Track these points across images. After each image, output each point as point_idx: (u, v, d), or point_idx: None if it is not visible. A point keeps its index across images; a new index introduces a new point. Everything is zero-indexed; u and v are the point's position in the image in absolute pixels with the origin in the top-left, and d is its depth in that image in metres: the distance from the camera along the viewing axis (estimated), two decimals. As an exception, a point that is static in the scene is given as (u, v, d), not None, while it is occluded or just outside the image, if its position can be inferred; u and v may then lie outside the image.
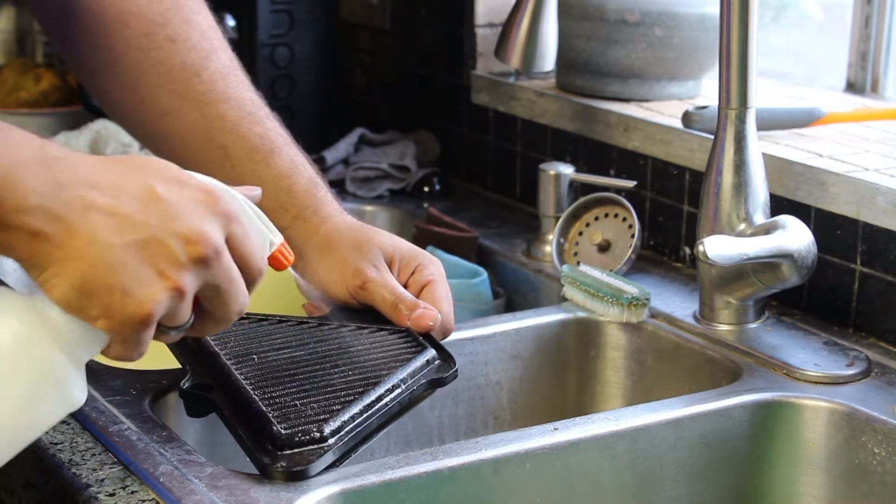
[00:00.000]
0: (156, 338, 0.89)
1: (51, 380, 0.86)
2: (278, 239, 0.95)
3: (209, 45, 1.20)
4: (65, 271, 0.83)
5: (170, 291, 0.85)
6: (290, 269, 0.99)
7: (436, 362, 1.09)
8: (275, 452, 0.97)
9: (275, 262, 0.96)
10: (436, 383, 1.08)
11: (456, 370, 1.09)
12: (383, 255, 1.16)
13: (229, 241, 0.88)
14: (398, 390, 1.05)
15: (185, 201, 0.86)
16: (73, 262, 0.83)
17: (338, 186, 1.78)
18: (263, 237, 0.94)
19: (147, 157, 0.89)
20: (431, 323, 1.12)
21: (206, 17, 1.21)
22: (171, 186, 0.86)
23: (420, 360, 1.08)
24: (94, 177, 0.84)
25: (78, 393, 0.88)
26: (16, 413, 0.86)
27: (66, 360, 0.86)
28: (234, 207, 0.89)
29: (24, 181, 0.81)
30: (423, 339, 1.11)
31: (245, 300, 0.91)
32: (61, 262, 0.83)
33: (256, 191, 0.96)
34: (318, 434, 0.97)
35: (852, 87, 1.65)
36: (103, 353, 0.88)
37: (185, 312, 0.88)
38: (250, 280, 0.91)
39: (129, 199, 0.84)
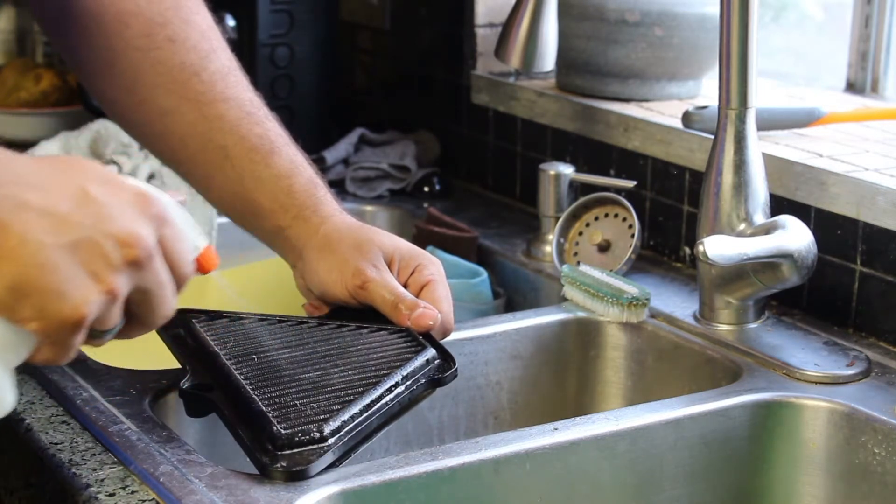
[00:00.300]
0: (85, 342, 0.87)
1: None
2: (203, 243, 0.94)
3: (209, 45, 1.20)
4: None
5: (104, 294, 0.84)
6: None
7: (435, 362, 1.09)
8: (275, 452, 0.97)
9: (199, 267, 0.94)
10: (436, 383, 1.08)
11: (456, 370, 1.09)
12: (383, 255, 1.16)
13: (161, 244, 0.87)
14: (398, 390, 1.05)
15: (118, 203, 0.85)
16: (5, 261, 0.81)
17: (338, 186, 1.78)
18: (189, 242, 0.92)
19: (77, 158, 0.88)
20: (431, 322, 1.12)
21: (205, 18, 1.21)
22: (105, 188, 0.85)
23: (420, 360, 1.08)
24: (28, 177, 0.83)
25: (8, 397, 0.86)
26: None
27: None
28: (166, 210, 0.88)
29: None
30: (423, 338, 1.11)
31: (172, 304, 0.89)
32: None
33: (180, 196, 0.95)
34: (318, 434, 0.97)
35: (852, 87, 1.65)
36: (30, 358, 0.86)
37: (116, 316, 0.86)
38: (179, 281, 0.90)
39: (62, 200, 0.83)
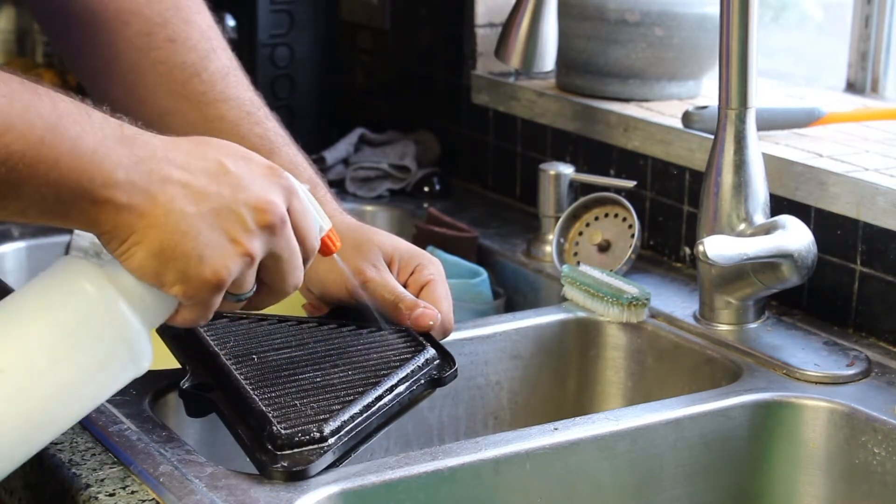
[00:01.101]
0: (222, 307, 0.93)
1: (125, 342, 0.90)
2: (327, 224, 1.00)
3: (209, 45, 1.20)
4: (145, 239, 0.87)
5: (241, 257, 0.90)
6: (335, 256, 1.02)
7: (435, 362, 1.09)
8: (275, 452, 0.97)
9: (323, 247, 1.00)
10: (435, 383, 1.08)
11: (456, 370, 1.10)
12: (383, 255, 1.16)
13: (290, 213, 0.93)
14: (398, 390, 1.05)
15: (252, 174, 0.91)
16: (152, 230, 0.87)
17: (338, 186, 1.78)
18: (315, 221, 0.98)
19: (213, 138, 0.94)
20: (431, 322, 1.12)
21: (205, 17, 1.21)
22: (239, 161, 0.92)
23: (420, 360, 1.08)
24: (168, 153, 0.89)
25: (147, 356, 0.92)
26: (90, 374, 0.89)
27: (139, 323, 0.90)
28: (294, 184, 0.94)
29: (110, 158, 0.86)
30: (423, 338, 1.11)
31: (301, 274, 0.95)
32: (142, 230, 0.87)
33: (306, 185, 1.00)
34: (318, 434, 0.97)
35: (852, 87, 1.65)
36: (169, 320, 0.92)
37: (251, 280, 0.93)
38: (305, 255, 0.95)
39: (200, 173, 0.89)
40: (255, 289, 0.94)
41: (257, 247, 0.91)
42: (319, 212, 0.99)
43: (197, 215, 0.88)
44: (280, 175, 0.93)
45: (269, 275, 0.94)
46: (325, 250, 1.00)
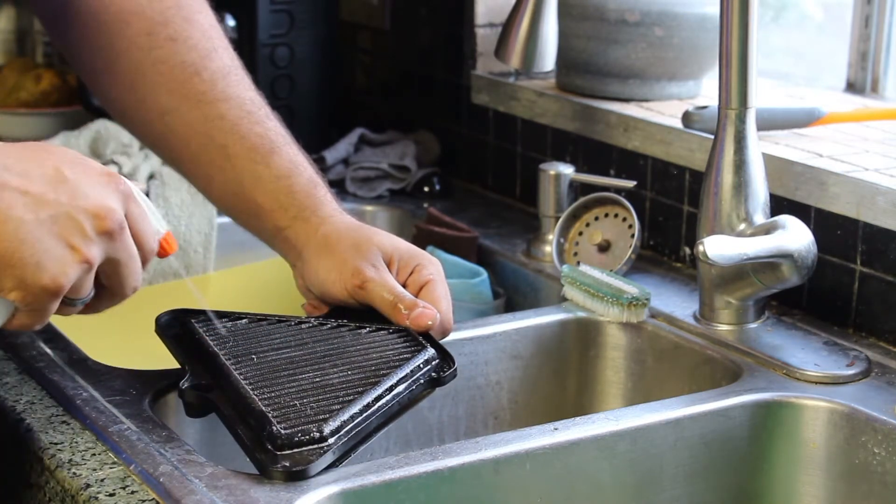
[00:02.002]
0: (58, 311, 0.94)
1: None
2: (164, 228, 1.01)
3: (210, 44, 1.20)
4: None
5: (80, 264, 0.91)
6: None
7: (435, 362, 1.09)
8: (275, 452, 0.97)
9: (160, 249, 1.01)
10: (435, 383, 1.08)
11: (455, 369, 1.09)
12: (382, 255, 1.16)
13: (128, 218, 0.95)
14: (397, 390, 1.05)
15: (89, 180, 0.92)
16: None
17: (338, 186, 1.78)
18: (153, 224, 0.99)
19: (49, 142, 0.96)
20: (430, 322, 1.12)
21: (207, 16, 1.21)
22: (76, 167, 0.93)
23: (419, 360, 1.08)
24: (6, 160, 0.90)
25: None
26: None
27: None
28: (131, 189, 0.96)
29: None
30: (423, 338, 1.11)
31: (139, 277, 0.97)
32: None
33: (142, 186, 1.02)
34: (318, 434, 0.97)
35: (852, 87, 1.65)
36: (5, 325, 0.93)
37: (89, 285, 0.94)
38: (143, 258, 0.97)
39: (38, 181, 0.90)
40: (92, 293, 0.96)
41: (96, 253, 0.92)
42: (156, 216, 1.00)
43: (35, 222, 0.89)
44: (117, 181, 0.94)
45: (108, 279, 0.96)
46: (162, 253, 1.02)
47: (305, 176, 1.20)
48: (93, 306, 0.98)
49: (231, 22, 1.83)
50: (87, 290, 0.94)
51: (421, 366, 1.08)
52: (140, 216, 0.96)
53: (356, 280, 1.14)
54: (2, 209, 0.88)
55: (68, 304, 0.95)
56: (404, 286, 1.15)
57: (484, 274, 1.49)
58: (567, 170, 1.51)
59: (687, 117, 1.46)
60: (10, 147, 0.92)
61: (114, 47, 1.18)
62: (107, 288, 0.97)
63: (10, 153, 0.91)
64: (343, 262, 1.15)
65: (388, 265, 1.16)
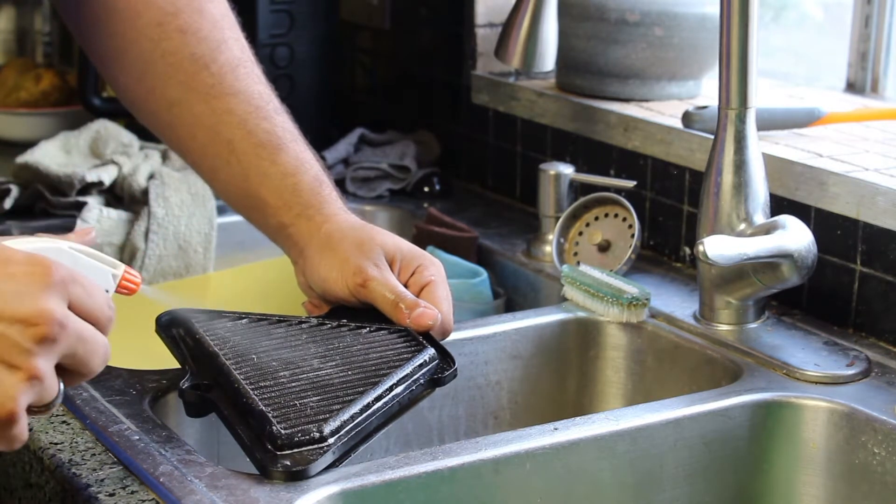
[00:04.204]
0: (33, 415, 0.85)
1: None
2: (119, 269, 0.93)
3: (220, 35, 1.19)
4: None
5: (26, 382, 0.81)
6: (144, 288, 0.95)
7: (435, 362, 1.09)
8: (275, 452, 0.97)
9: (122, 290, 0.93)
10: (435, 382, 1.08)
11: (455, 369, 1.10)
12: (384, 255, 1.16)
13: (72, 306, 0.84)
14: (398, 390, 1.05)
15: (13, 283, 0.81)
16: None
17: (338, 186, 1.77)
18: (105, 274, 0.92)
19: None
20: (431, 322, 1.12)
21: (218, 6, 1.21)
22: None
23: (419, 360, 1.08)
24: None
25: None
26: None
27: None
28: (67, 270, 0.84)
29: None
30: (423, 338, 1.11)
31: (106, 349, 0.87)
32: None
33: (90, 234, 0.93)
34: (318, 434, 0.97)
35: (852, 87, 1.65)
36: None
37: (52, 390, 0.84)
38: (103, 329, 0.87)
39: None
40: (62, 390, 0.85)
41: (41, 364, 0.81)
42: (107, 260, 0.92)
43: None
44: (48, 271, 0.82)
45: (72, 367, 0.85)
46: (128, 292, 0.93)
47: (311, 174, 1.20)
48: (72, 383, 0.88)
49: (231, 22, 1.83)
50: (52, 394, 0.83)
51: (421, 366, 1.08)
52: (83, 295, 0.84)
53: (358, 278, 1.14)
54: None
55: (38, 412, 0.84)
56: (406, 286, 1.15)
57: (484, 274, 1.49)
58: (567, 170, 1.51)
59: (687, 117, 1.46)
60: None
61: (124, 36, 1.18)
62: (74, 373, 0.86)
63: None
64: (345, 261, 1.15)
65: (391, 265, 1.16)
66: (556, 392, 1.35)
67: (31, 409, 0.84)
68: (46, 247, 0.88)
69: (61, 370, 0.85)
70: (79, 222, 1.56)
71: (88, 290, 0.85)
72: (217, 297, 1.59)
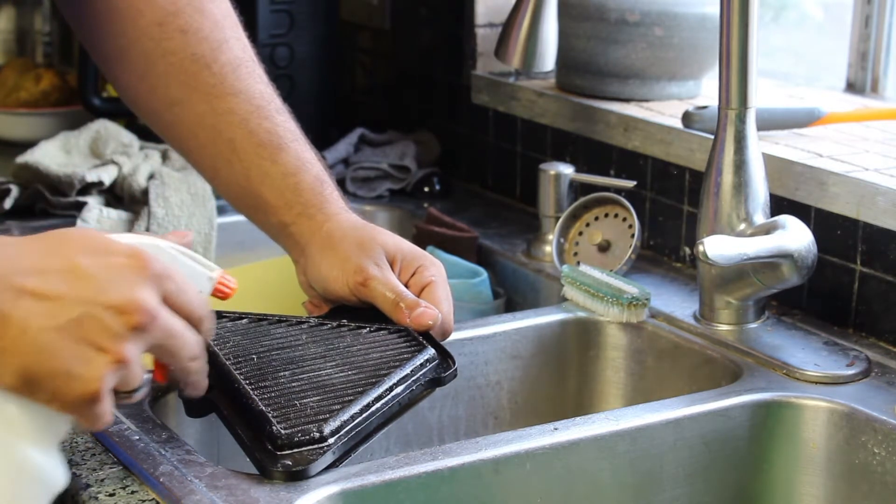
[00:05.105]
0: (119, 402, 0.88)
1: (28, 476, 0.86)
2: (216, 273, 0.96)
3: (221, 34, 1.19)
4: (4, 363, 0.83)
5: (113, 365, 0.84)
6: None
7: (435, 362, 1.09)
8: (274, 452, 0.97)
9: (217, 294, 0.96)
10: (435, 382, 1.08)
11: (455, 369, 1.09)
12: (385, 255, 1.16)
13: (165, 299, 0.88)
14: (398, 390, 1.05)
15: (112, 271, 0.85)
16: (9, 353, 0.82)
17: (338, 186, 1.77)
18: (201, 275, 0.95)
19: (69, 230, 0.88)
20: (431, 322, 1.12)
21: (220, 5, 1.21)
22: (96, 258, 0.85)
23: (419, 360, 1.08)
24: (21, 262, 0.84)
25: (57, 476, 0.88)
26: None
27: (37, 452, 0.86)
28: (163, 266, 0.88)
29: None
30: (423, 338, 1.11)
31: (194, 347, 0.91)
32: (1, 353, 0.82)
33: (188, 237, 0.97)
34: (318, 434, 0.97)
35: (852, 87, 1.65)
36: (76, 427, 0.88)
37: (137, 376, 0.87)
38: (196, 325, 0.91)
39: (56, 280, 0.84)
40: (147, 380, 0.89)
41: (129, 350, 0.85)
42: (203, 262, 0.95)
43: (55, 329, 0.83)
44: (145, 264, 0.86)
45: (162, 358, 0.91)
46: (222, 297, 0.96)
47: (312, 173, 1.20)
48: (167, 378, 0.93)
49: (231, 22, 1.83)
50: (138, 380, 0.87)
51: (421, 366, 1.08)
52: (178, 291, 0.89)
53: (359, 277, 1.14)
54: (19, 319, 0.82)
55: (124, 397, 0.88)
56: (406, 286, 1.15)
57: (484, 274, 1.49)
58: (567, 170, 1.51)
59: (687, 117, 1.46)
60: (27, 242, 0.86)
61: (126, 35, 1.18)
62: (165, 365, 0.92)
63: (25, 252, 0.85)
64: (346, 259, 1.15)
65: (391, 265, 1.16)
66: (556, 392, 1.35)
67: (118, 394, 0.87)
68: (148, 243, 0.91)
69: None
70: (79, 222, 1.56)
71: (182, 287, 0.89)
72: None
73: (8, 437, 0.85)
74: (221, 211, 1.61)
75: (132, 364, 0.86)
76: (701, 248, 1.19)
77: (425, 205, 1.72)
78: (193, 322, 0.91)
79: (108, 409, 0.86)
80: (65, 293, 0.83)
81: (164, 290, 0.88)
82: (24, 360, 0.83)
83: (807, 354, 1.23)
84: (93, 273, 0.85)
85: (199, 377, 0.95)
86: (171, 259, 0.92)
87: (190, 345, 0.90)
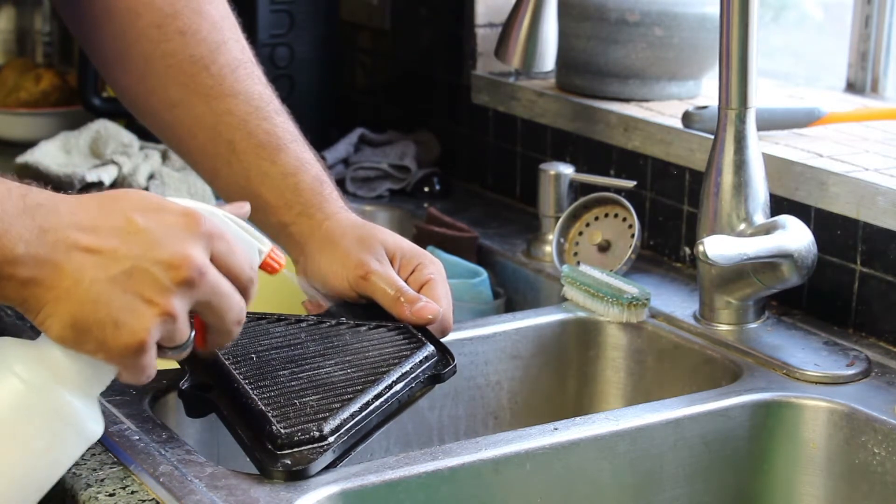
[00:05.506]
0: (164, 357, 0.91)
1: (66, 422, 0.89)
2: (266, 247, 0.98)
3: (220, 36, 1.20)
4: (56, 312, 0.86)
5: (160, 317, 0.87)
6: (284, 270, 1.01)
7: (434, 358, 1.09)
8: (274, 452, 0.97)
9: (266, 268, 0.98)
10: (435, 379, 1.08)
11: (454, 366, 1.09)
12: (385, 252, 1.16)
13: (214, 259, 0.90)
14: (397, 387, 1.05)
15: (164, 227, 0.88)
16: (62, 302, 0.86)
17: (338, 186, 1.77)
18: (252, 247, 0.96)
19: (125, 190, 0.91)
20: (431, 316, 1.12)
21: (218, 7, 1.21)
22: (150, 215, 0.89)
23: (419, 357, 1.08)
24: (75, 217, 0.87)
25: (94, 426, 0.91)
26: (39, 459, 0.88)
27: (77, 399, 0.89)
28: (215, 226, 0.91)
29: (10, 233, 0.85)
30: (422, 335, 1.11)
31: (240, 309, 0.93)
32: (52, 303, 0.86)
33: (245, 208, 0.99)
34: (318, 433, 0.97)
35: (852, 87, 1.65)
36: (117, 377, 0.91)
37: (183, 332, 0.90)
38: (242, 289, 0.93)
39: (109, 235, 0.87)
40: (192, 337, 0.92)
41: (176, 304, 0.88)
42: (255, 235, 0.97)
43: (107, 280, 0.86)
44: (197, 222, 0.90)
45: (207, 318, 0.92)
46: (269, 270, 0.98)
47: (312, 173, 1.20)
48: (204, 344, 0.95)
49: (231, 22, 1.83)
50: (183, 336, 0.90)
51: (420, 363, 1.08)
52: (227, 252, 0.91)
53: (360, 271, 1.14)
54: (73, 271, 0.85)
55: (168, 353, 0.91)
56: (405, 283, 1.15)
57: (484, 274, 1.49)
58: (567, 170, 1.51)
59: (687, 117, 1.46)
60: (82, 200, 0.88)
61: (124, 38, 1.18)
62: (209, 325, 0.93)
63: (80, 208, 0.88)
64: (347, 255, 1.15)
65: (391, 262, 1.16)
66: (556, 392, 1.35)
67: (163, 349, 0.90)
68: (203, 208, 0.93)
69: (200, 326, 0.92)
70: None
71: (232, 248, 0.92)
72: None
73: (50, 381, 0.88)
74: (221, 211, 1.60)
75: (178, 318, 0.88)
76: (701, 248, 1.19)
77: (425, 205, 1.72)
78: (241, 285, 0.93)
79: (151, 362, 0.89)
80: (117, 247, 0.87)
81: (215, 249, 0.90)
82: (74, 309, 0.86)
83: (807, 354, 1.23)
84: (145, 228, 0.88)
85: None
86: (224, 226, 0.94)
87: (236, 306, 0.92)
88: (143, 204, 0.89)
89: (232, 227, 0.95)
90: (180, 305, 0.88)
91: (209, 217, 0.91)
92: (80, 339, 0.87)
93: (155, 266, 0.87)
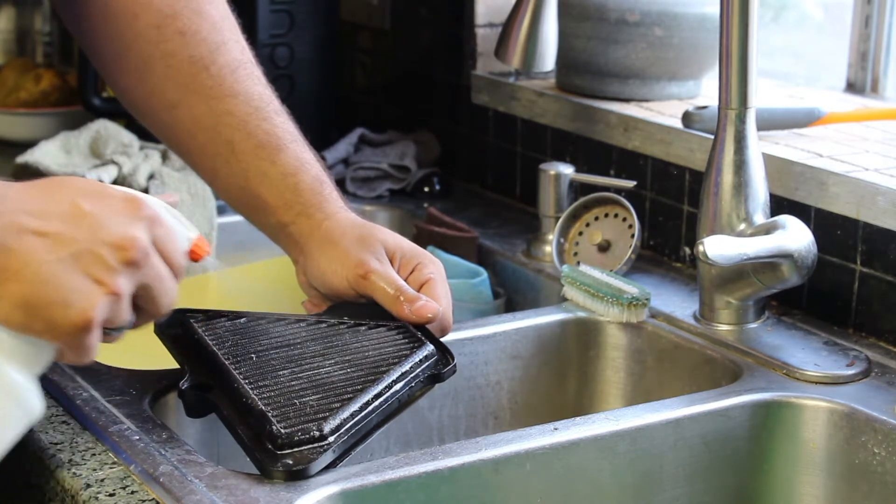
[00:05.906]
0: (103, 340, 0.93)
1: (8, 397, 0.90)
2: (194, 234, 1.00)
3: (219, 37, 1.20)
4: (6, 292, 0.88)
5: (107, 296, 0.90)
6: (207, 258, 1.02)
7: (434, 358, 1.09)
8: (275, 452, 0.97)
9: (192, 255, 1.00)
10: (434, 379, 1.08)
11: (454, 365, 1.09)
12: (385, 251, 1.16)
13: (155, 243, 0.93)
14: (397, 387, 1.04)
15: (109, 211, 0.91)
16: (12, 283, 0.88)
17: (338, 186, 1.77)
18: (181, 234, 0.99)
19: (68, 176, 0.94)
20: (431, 315, 1.12)
21: (218, 7, 1.21)
22: (95, 200, 0.91)
23: (418, 356, 1.08)
24: (24, 203, 0.89)
25: (37, 403, 0.92)
26: None
27: (23, 377, 0.90)
28: (155, 211, 0.94)
29: None
30: (421, 334, 1.11)
31: (174, 293, 0.96)
32: (2, 284, 0.88)
33: (174, 198, 1.01)
34: (318, 433, 0.97)
35: (852, 87, 1.65)
36: (57, 359, 0.92)
37: (125, 313, 0.92)
38: (176, 274, 0.96)
39: (57, 219, 0.89)
40: (132, 319, 0.94)
41: (123, 284, 0.90)
42: (186, 224, 1.00)
43: (56, 262, 0.88)
44: (139, 207, 0.93)
45: (143, 301, 0.94)
46: (195, 257, 1.00)
47: (311, 174, 1.20)
48: (134, 326, 0.97)
49: (231, 22, 1.83)
50: (125, 318, 0.93)
51: (420, 362, 1.08)
52: (165, 237, 0.94)
53: (360, 270, 1.14)
54: (22, 253, 0.87)
55: (110, 333, 0.94)
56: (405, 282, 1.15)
57: (484, 274, 1.49)
58: (567, 170, 1.51)
59: (687, 117, 1.46)
60: (28, 187, 0.91)
61: (123, 38, 1.18)
62: (143, 309, 0.95)
63: (27, 195, 0.90)
64: (346, 254, 1.15)
65: (391, 261, 1.16)
66: (556, 392, 1.35)
67: (104, 329, 0.92)
68: (139, 194, 0.96)
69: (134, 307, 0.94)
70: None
71: (170, 233, 0.95)
72: (217, 297, 1.59)
73: None
74: (221, 211, 1.61)
75: (123, 298, 0.91)
76: (701, 248, 1.19)
77: (425, 205, 1.72)
78: (175, 269, 0.95)
79: (95, 343, 0.91)
80: (65, 231, 0.89)
81: (155, 234, 0.93)
82: (24, 289, 0.88)
83: (807, 354, 1.23)
84: (91, 212, 0.90)
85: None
86: (161, 211, 0.96)
87: (171, 291, 0.95)
88: (87, 190, 0.92)
89: (164, 214, 0.97)
90: (126, 285, 0.91)
91: (149, 202, 0.94)
92: (30, 320, 0.88)
93: (102, 247, 0.90)
